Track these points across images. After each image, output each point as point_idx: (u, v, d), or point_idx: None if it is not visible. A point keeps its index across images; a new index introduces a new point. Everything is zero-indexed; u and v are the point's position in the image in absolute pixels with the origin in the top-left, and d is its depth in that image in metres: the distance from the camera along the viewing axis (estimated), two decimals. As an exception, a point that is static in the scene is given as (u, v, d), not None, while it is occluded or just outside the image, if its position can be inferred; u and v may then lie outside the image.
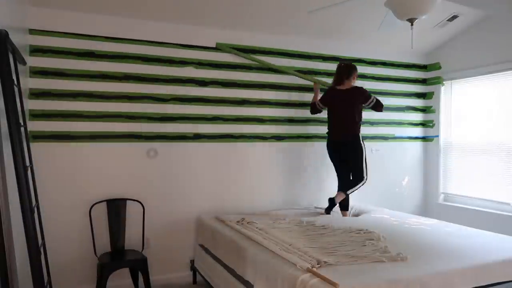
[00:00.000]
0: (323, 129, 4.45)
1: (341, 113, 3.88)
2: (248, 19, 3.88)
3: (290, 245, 2.63)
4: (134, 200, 3.63)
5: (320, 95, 4.11)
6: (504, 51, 4.17)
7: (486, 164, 4.42)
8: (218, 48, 3.95)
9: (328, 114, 4.01)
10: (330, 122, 3.98)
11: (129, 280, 3.58)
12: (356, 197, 4.64)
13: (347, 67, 3.89)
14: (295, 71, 4.26)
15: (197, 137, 3.90)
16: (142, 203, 3.64)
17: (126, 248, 3.57)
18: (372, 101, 3.88)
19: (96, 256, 3.43)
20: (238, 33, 4.04)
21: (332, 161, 4.04)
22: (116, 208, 3.54)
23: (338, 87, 3.89)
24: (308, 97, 4.35)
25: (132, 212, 3.62)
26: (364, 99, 3.87)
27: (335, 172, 4.07)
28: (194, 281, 3.81)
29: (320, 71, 4.42)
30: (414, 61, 5.01)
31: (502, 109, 4.26)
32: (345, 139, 3.89)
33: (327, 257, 2.36)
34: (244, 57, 4.06)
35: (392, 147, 4.88)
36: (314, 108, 4.08)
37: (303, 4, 3.57)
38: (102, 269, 3.20)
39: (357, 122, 3.86)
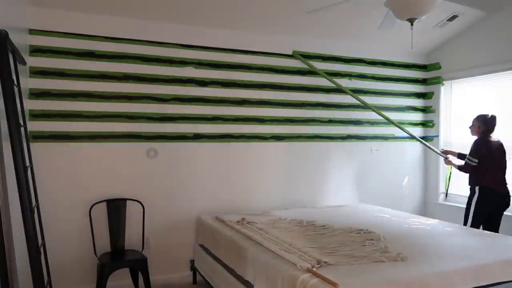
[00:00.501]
0: (323, 129, 4.46)
1: (500, 164, 3.72)
2: (247, 19, 3.88)
3: (290, 245, 2.63)
4: (134, 200, 3.63)
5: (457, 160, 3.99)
6: (504, 51, 4.16)
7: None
8: (293, 55, 4.21)
9: (484, 164, 3.68)
10: (491, 172, 3.67)
11: (129, 280, 3.58)
12: (356, 197, 4.65)
13: (495, 117, 3.77)
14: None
15: (197, 137, 3.90)
16: (142, 203, 3.64)
17: (126, 248, 3.57)
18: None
19: (96, 256, 3.43)
20: (237, 33, 4.05)
21: (484, 211, 3.66)
22: (116, 208, 3.54)
23: (489, 138, 3.75)
24: (308, 97, 4.35)
25: (132, 212, 3.62)
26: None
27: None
28: (194, 281, 3.81)
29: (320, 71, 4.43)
30: (414, 61, 5.00)
31: (502, 109, 4.26)
32: (508, 191, 3.68)
33: (327, 257, 2.36)
34: (303, 62, 4.25)
35: (392, 147, 4.87)
36: (467, 168, 3.77)
37: (303, 4, 3.57)
38: (102, 269, 3.20)
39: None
